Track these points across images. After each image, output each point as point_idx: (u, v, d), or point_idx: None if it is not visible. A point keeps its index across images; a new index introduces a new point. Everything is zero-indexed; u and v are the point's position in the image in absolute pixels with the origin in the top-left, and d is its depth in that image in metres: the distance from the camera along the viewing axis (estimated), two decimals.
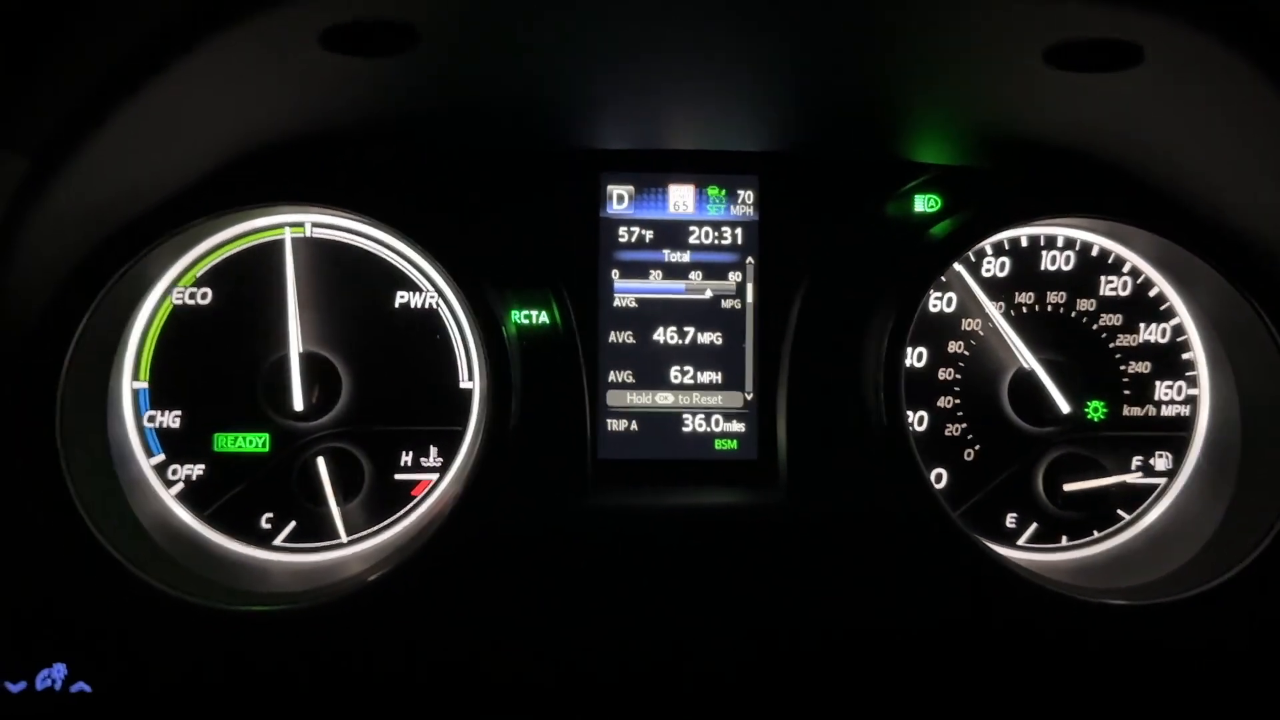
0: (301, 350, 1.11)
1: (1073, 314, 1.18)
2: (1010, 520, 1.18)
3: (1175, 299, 1.18)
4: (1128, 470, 1.18)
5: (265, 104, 0.96)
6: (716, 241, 1.23)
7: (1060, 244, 1.18)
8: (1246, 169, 1.01)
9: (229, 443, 1.12)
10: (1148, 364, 1.18)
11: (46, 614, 0.98)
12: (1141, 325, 1.19)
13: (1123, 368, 1.18)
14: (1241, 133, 0.95)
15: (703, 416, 1.23)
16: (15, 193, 0.83)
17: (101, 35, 0.75)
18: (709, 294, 1.23)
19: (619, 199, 1.22)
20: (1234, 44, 0.81)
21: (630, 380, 1.23)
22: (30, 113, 0.78)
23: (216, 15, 0.75)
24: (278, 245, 1.13)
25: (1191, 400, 1.19)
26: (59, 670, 0.95)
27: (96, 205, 0.95)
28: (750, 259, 1.23)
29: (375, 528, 1.15)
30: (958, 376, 1.17)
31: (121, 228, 0.99)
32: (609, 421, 1.22)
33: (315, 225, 1.14)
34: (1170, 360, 1.19)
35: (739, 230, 1.23)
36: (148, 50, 0.77)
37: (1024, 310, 1.17)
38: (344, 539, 1.13)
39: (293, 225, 1.13)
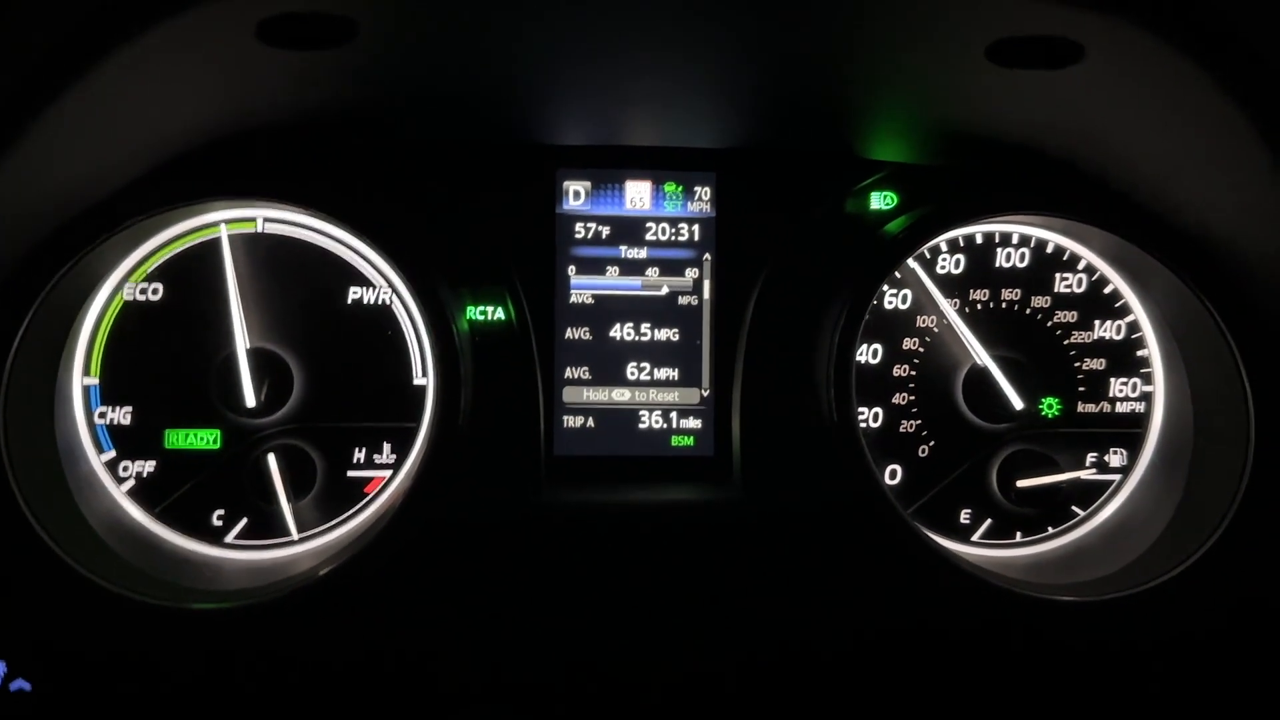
0: (250, 346, 1.10)
1: (1027, 311, 1.18)
2: (965, 516, 1.18)
3: (1130, 296, 1.19)
4: (1082, 467, 1.18)
5: (207, 98, 0.95)
6: (673, 238, 1.22)
7: (1015, 241, 1.18)
8: (1194, 165, 1.01)
9: (180, 439, 1.12)
10: (1102, 361, 1.19)
11: None
12: (1096, 322, 1.19)
13: (1077, 365, 1.19)
14: (1187, 129, 0.95)
15: (659, 413, 1.23)
16: None
17: (34, 28, 0.74)
18: (666, 290, 1.22)
19: (575, 195, 1.22)
20: (1172, 40, 0.81)
21: (586, 377, 1.22)
22: None
23: (150, 8, 0.74)
24: (226, 241, 1.12)
25: (1146, 397, 1.19)
26: None
27: (38, 202, 0.94)
28: (707, 255, 1.22)
29: (327, 525, 1.14)
30: (912, 373, 1.17)
31: (65, 224, 0.98)
32: (565, 418, 1.22)
33: (267, 220, 1.13)
34: (1125, 357, 1.19)
35: (696, 226, 1.22)
36: (82, 44, 0.76)
37: (979, 307, 1.18)
38: (295, 536, 1.12)
39: (240, 221, 1.12)
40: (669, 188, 1.22)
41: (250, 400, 1.09)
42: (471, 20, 0.85)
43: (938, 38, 0.86)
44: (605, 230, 1.22)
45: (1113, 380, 1.19)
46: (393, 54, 0.90)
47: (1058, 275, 1.19)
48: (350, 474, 1.14)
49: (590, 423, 1.22)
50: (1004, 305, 1.18)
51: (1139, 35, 0.81)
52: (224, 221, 1.11)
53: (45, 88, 0.79)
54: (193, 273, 1.12)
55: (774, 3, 0.84)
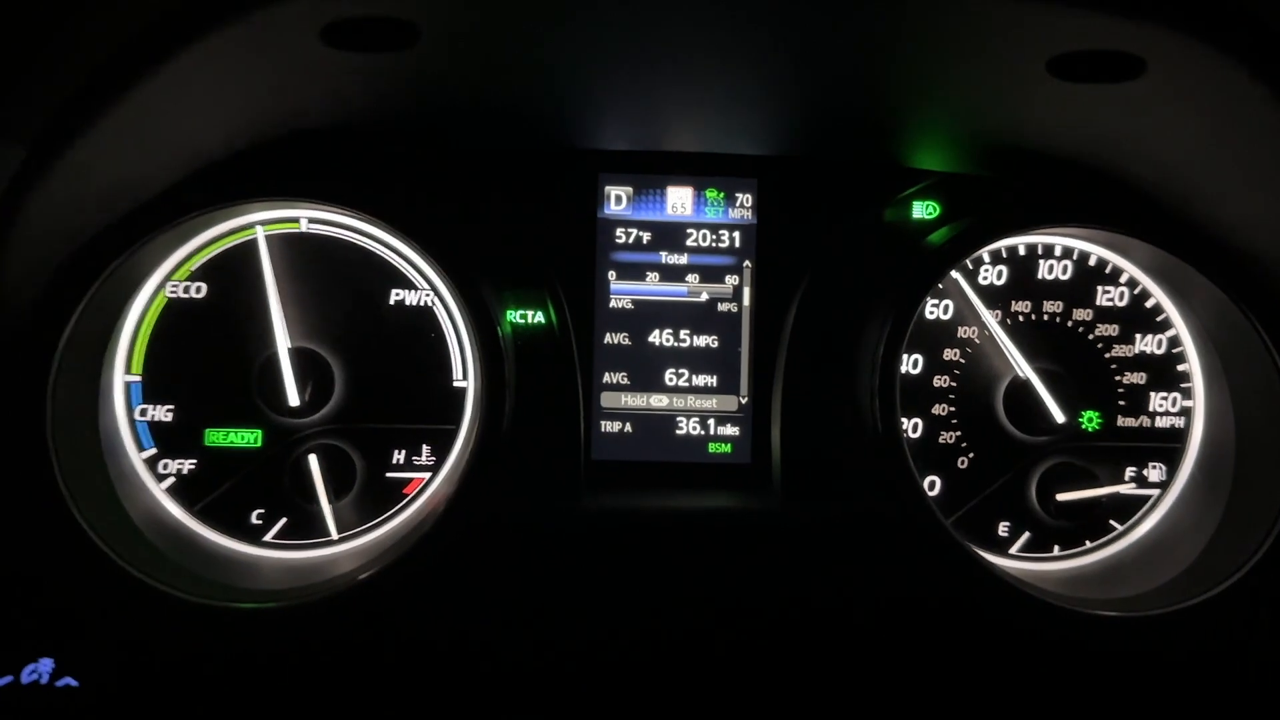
0: (291, 346, 1.10)
1: (1069, 323, 1.18)
2: (1003, 529, 1.18)
3: (1172, 310, 1.18)
4: (1121, 481, 1.18)
5: (264, 99, 0.95)
6: (714, 244, 1.22)
7: (1058, 253, 1.18)
8: (1246, 182, 1.00)
9: (221, 438, 1.12)
10: (1143, 375, 1.18)
11: (34, 608, 0.97)
12: (1137, 336, 1.18)
13: (1118, 378, 1.18)
14: (1242, 145, 0.95)
15: (697, 420, 1.23)
16: (11, 183, 0.82)
17: (103, 26, 0.74)
18: (705, 297, 1.22)
19: (617, 200, 1.22)
20: (1236, 57, 0.81)
21: (625, 382, 1.22)
22: (29, 102, 0.78)
23: (219, 9, 0.75)
24: (268, 240, 1.12)
25: (1186, 412, 1.19)
26: (45, 665, 0.95)
27: (92, 197, 0.95)
28: (747, 262, 1.22)
29: (366, 525, 1.14)
30: (953, 384, 1.17)
31: (115, 222, 0.99)
32: (603, 423, 1.22)
33: (311, 221, 1.13)
34: (1165, 372, 1.19)
35: (736, 233, 1.22)
36: (149, 42, 0.77)
37: (1020, 319, 1.17)
38: (335, 536, 1.13)
39: (283, 221, 1.12)
40: (710, 194, 1.22)
41: (294, 400, 1.09)
42: (527, 26, 0.85)
43: (1002, 52, 0.86)
44: (646, 236, 1.22)
45: (1153, 394, 1.19)
46: (450, 59, 0.90)
47: (1099, 288, 1.18)
48: (389, 475, 1.14)
49: (628, 428, 1.22)
50: (1046, 317, 1.18)
51: (1202, 50, 0.81)
52: (260, 223, 1.12)
53: (111, 87, 0.80)
54: (235, 272, 1.12)
55: (830, 16, 0.84)
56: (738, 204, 1.22)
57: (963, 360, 1.17)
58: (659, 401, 1.23)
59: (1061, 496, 1.14)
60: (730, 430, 1.23)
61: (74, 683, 0.95)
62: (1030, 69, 0.88)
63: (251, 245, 1.12)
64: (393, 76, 0.92)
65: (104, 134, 0.85)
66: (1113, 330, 1.18)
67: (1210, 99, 0.89)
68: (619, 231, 1.22)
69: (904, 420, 1.15)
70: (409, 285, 1.14)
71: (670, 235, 1.22)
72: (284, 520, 1.13)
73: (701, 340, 1.23)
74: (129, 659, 0.98)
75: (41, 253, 0.95)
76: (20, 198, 0.85)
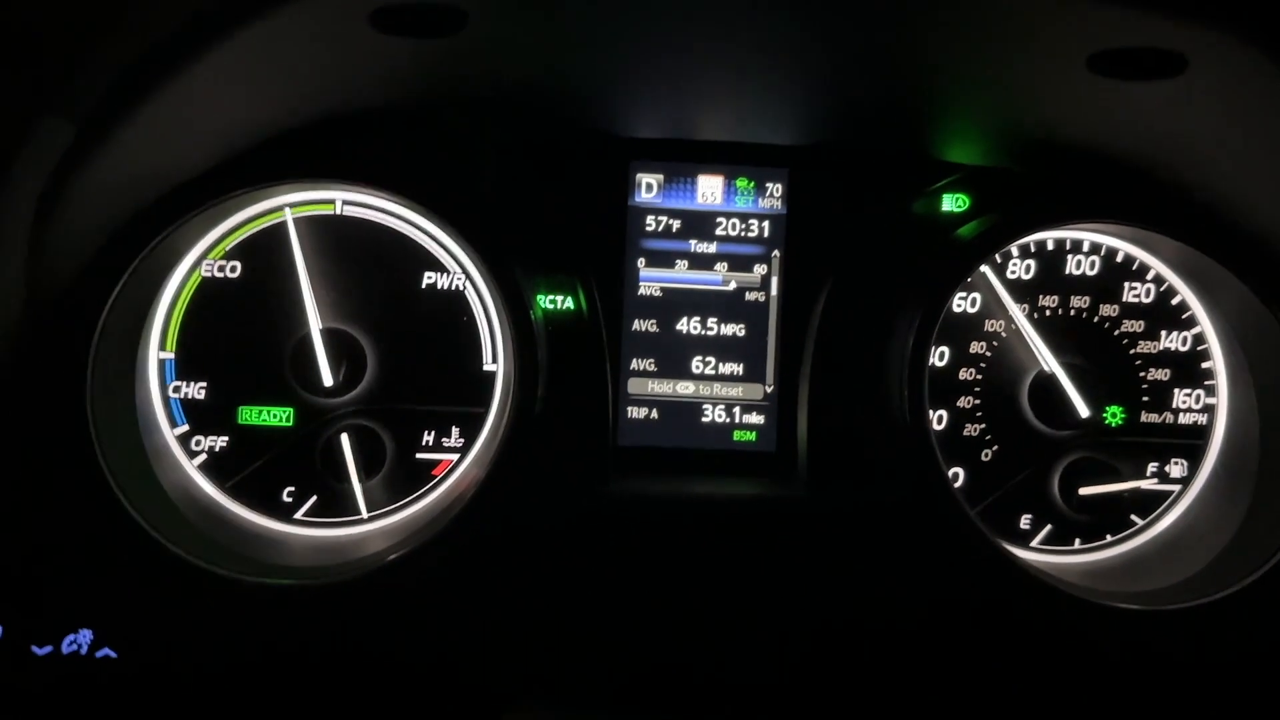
0: (323, 327, 1.11)
1: (1095, 319, 1.18)
2: (1025, 521, 1.19)
3: (1197, 307, 1.19)
4: (1143, 476, 1.19)
5: (309, 83, 0.96)
6: (743, 233, 1.23)
7: (1086, 248, 1.18)
8: None
9: (254, 416, 1.13)
10: (1167, 371, 1.19)
11: (74, 580, 0.99)
12: (1163, 332, 1.19)
13: (1142, 374, 1.19)
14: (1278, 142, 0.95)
15: (723, 407, 1.24)
16: (60, 160, 0.83)
17: (156, 8, 0.75)
18: (734, 285, 1.23)
19: (648, 188, 1.23)
20: (1275, 53, 0.81)
21: (652, 368, 1.23)
22: (81, 80, 0.78)
23: None
24: (298, 222, 1.13)
25: (1209, 409, 1.20)
26: (85, 635, 0.96)
27: (136, 175, 0.96)
28: (776, 252, 1.23)
29: (395, 505, 1.15)
30: (979, 377, 1.18)
31: (156, 199, 1.00)
32: (629, 409, 1.23)
33: (346, 203, 1.14)
34: (1190, 368, 1.19)
35: (766, 223, 1.23)
36: (200, 26, 0.77)
37: (1047, 313, 1.18)
38: (365, 515, 1.14)
39: (317, 203, 1.13)
40: (741, 183, 1.23)
41: (328, 380, 1.10)
42: (570, 12, 0.86)
43: (1042, 47, 0.87)
44: (676, 224, 1.23)
45: (1177, 391, 1.19)
46: (495, 45, 0.91)
47: (1126, 284, 1.19)
48: (419, 456, 1.15)
49: (654, 414, 1.23)
50: (1072, 312, 1.18)
51: (1243, 49, 0.81)
52: (289, 205, 1.12)
53: (161, 70, 0.80)
54: (269, 252, 1.13)
55: (870, 8, 0.84)
56: (768, 194, 1.23)
57: (989, 353, 1.18)
58: (685, 388, 1.24)
59: (1084, 491, 1.15)
60: (755, 418, 1.24)
61: (113, 654, 0.96)
62: (1070, 65, 0.88)
63: (283, 227, 1.13)
64: (437, 61, 0.93)
65: (152, 115, 0.86)
66: (1138, 326, 1.19)
67: (1250, 99, 0.89)
68: (649, 219, 1.23)
69: (930, 412, 1.16)
70: (442, 269, 1.15)
71: (700, 224, 1.23)
72: (314, 498, 1.14)
73: (729, 329, 1.23)
74: (164, 632, 1.00)
75: (87, 230, 0.96)
76: (68, 176, 0.86)
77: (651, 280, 1.23)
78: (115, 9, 0.73)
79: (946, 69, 0.96)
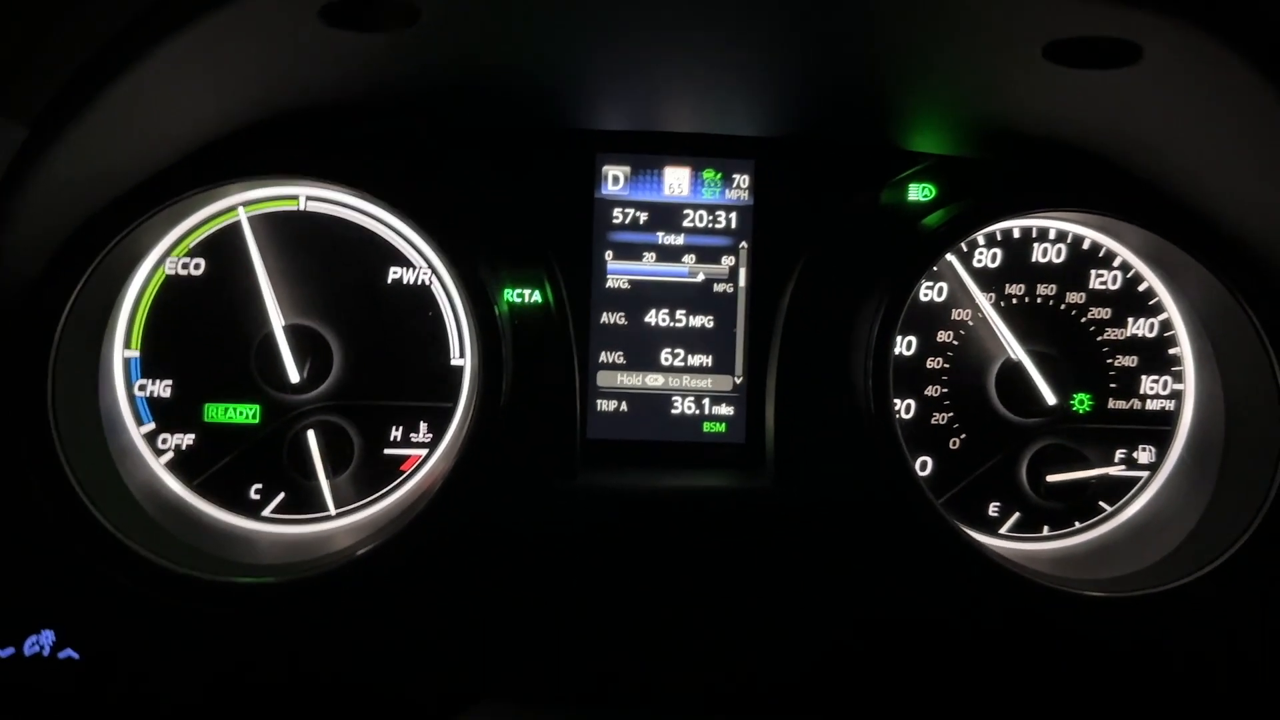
0: (288, 323, 1.11)
1: (1062, 306, 1.19)
2: (993, 509, 1.19)
3: (1164, 294, 1.19)
4: (1111, 463, 1.19)
5: (263, 78, 0.95)
6: (710, 225, 1.23)
7: (1052, 236, 1.19)
8: (1239, 167, 1.01)
9: (220, 413, 1.13)
10: (1134, 358, 1.19)
11: (35, 581, 0.98)
12: (1129, 319, 1.19)
13: (1109, 361, 1.19)
14: (1237, 131, 0.95)
15: (692, 399, 1.24)
16: (12, 162, 0.83)
17: (105, 8, 0.74)
18: (701, 277, 1.23)
19: (614, 180, 1.22)
20: (1233, 44, 0.81)
21: (621, 361, 1.23)
22: (30, 81, 0.78)
23: None
24: (261, 219, 1.12)
25: (1176, 395, 1.20)
26: (47, 637, 0.96)
27: (92, 176, 0.95)
28: (744, 243, 1.23)
29: (364, 501, 1.15)
30: (946, 366, 1.18)
31: (114, 199, 0.99)
32: (599, 402, 1.23)
33: (310, 199, 1.13)
34: (1157, 355, 1.20)
35: (733, 214, 1.23)
36: (148, 24, 0.77)
37: (1014, 301, 1.18)
38: (333, 511, 1.14)
39: (280, 199, 1.13)
40: (707, 174, 1.23)
41: (294, 376, 1.09)
42: (526, 6, 0.86)
43: (998, 37, 0.87)
44: (643, 216, 1.23)
45: (1144, 378, 1.20)
46: (449, 39, 0.90)
47: (1093, 271, 1.19)
48: (387, 451, 1.15)
49: (623, 407, 1.23)
50: (1039, 300, 1.18)
51: (1197, 36, 0.81)
52: (242, 204, 1.12)
53: (107, 69, 0.80)
54: (233, 249, 1.12)
55: (829, 5, 0.84)
56: (734, 185, 1.23)
57: (956, 342, 1.18)
58: (654, 381, 1.24)
59: (1051, 478, 1.15)
60: (725, 410, 1.24)
61: (75, 655, 0.96)
62: (1027, 54, 0.88)
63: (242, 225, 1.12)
64: (391, 55, 0.93)
65: (103, 115, 0.85)
66: (1105, 313, 1.19)
67: (1204, 85, 0.89)
68: (616, 212, 1.22)
69: (897, 401, 1.16)
70: (407, 264, 1.15)
71: (667, 215, 1.23)
72: (282, 495, 1.14)
73: (697, 320, 1.23)
74: (130, 632, 0.99)
75: (44, 230, 0.95)
76: (22, 177, 0.85)
77: (619, 273, 1.23)
78: (61, 9, 0.72)
79: (905, 60, 0.96)
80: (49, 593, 0.98)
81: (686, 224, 1.23)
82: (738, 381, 1.24)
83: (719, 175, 1.23)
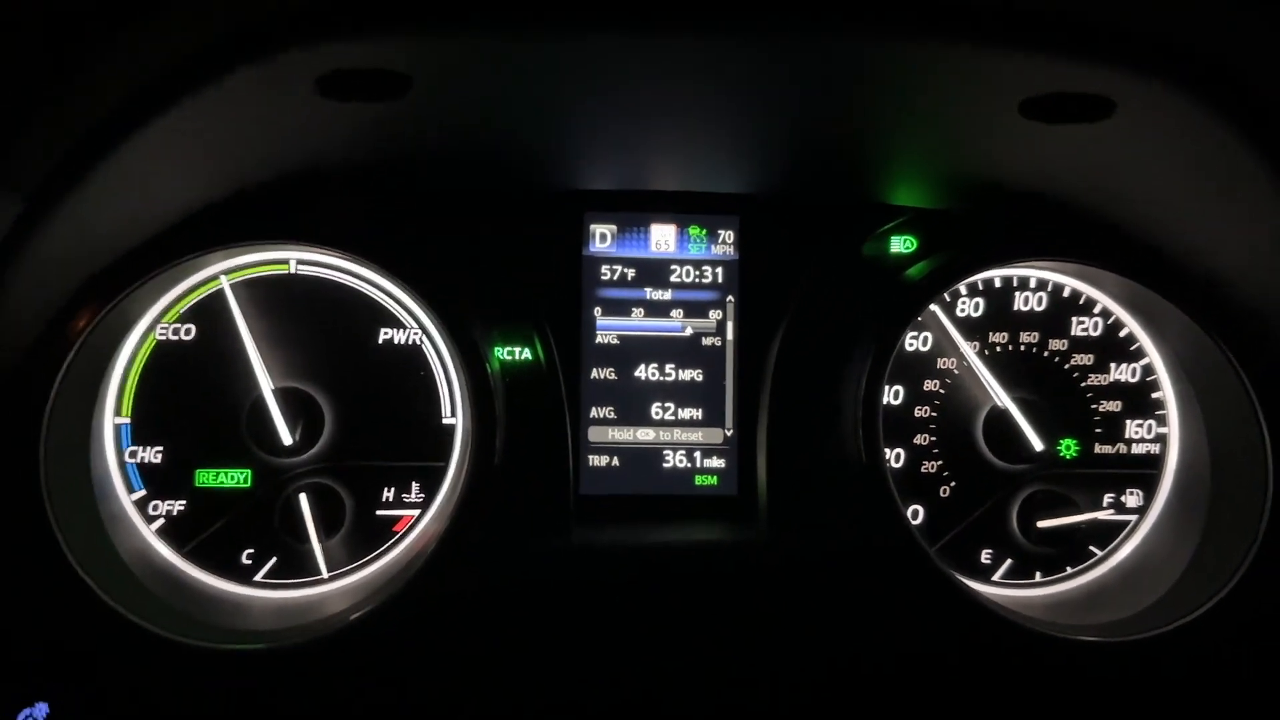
0: (281, 386, 1.11)
1: (1045, 353, 1.20)
2: (985, 556, 1.20)
3: (1145, 339, 1.21)
4: (1100, 507, 1.20)
5: (257, 145, 0.96)
6: (697, 280, 1.25)
7: (1033, 285, 1.21)
8: (1213, 215, 1.04)
9: (211, 478, 1.12)
10: (1118, 403, 1.21)
11: (28, 651, 0.97)
12: (1112, 365, 1.21)
13: (1094, 406, 1.21)
14: (1208, 181, 0.98)
15: (683, 452, 1.24)
16: (9, 232, 0.84)
17: (104, 79, 0.75)
18: (690, 331, 1.24)
19: (601, 238, 1.24)
20: (1202, 98, 0.84)
21: (612, 416, 1.24)
22: (28, 156, 0.79)
23: (218, 61, 0.76)
24: (249, 284, 1.13)
25: (1161, 438, 1.22)
26: (40, 710, 0.94)
27: (87, 243, 0.96)
28: (730, 297, 1.24)
29: (357, 564, 1.15)
30: (933, 414, 1.19)
31: (105, 267, 1.00)
32: (591, 457, 1.23)
33: (300, 263, 1.14)
34: (1140, 399, 1.21)
35: (719, 269, 1.25)
36: (145, 97, 0.78)
37: (998, 350, 1.20)
38: (325, 575, 1.13)
39: (271, 264, 1.14)
40: (693, 231, 1.25)
41: (286, 439, 1.10)
42: (515, 78, 0.88)
43: (974, 97, 0.89)
44: (631, 272, 1.24)
45: (1128, 422, 1.21)
46: (440, 108, 0.92)
47: (1074, 319, 1.21)
48: (379, 513, 1.15)
49: (615, 462, 1.24)
50: (1023, 348, 1.20)
51: (1167, 91, 0.84)
52: (223, 273, 1.13)
53: (107, 141, 0.81)
54: (222, 314, 1.13)
55: (806, 65, 0.86)
56: (720, 240, 1.25)
57: (942, 391, 1.20)
58: (646, 435, 1.24)
59: (1042, 523, 1.16)
60: (716, 462, 1.24)
61: None
62: (1002, 111, 0.90)
63: (232, 290, 1.13)
64: (383, 124, 0.94)
65: (99, 186, 0.87)
66: (1088, 359, 1.21)
67: (1176, 136, 0.92)
68: (604, 268, 1.24)
69: (886, 450, 1.17)
70: (398, 324, 1.16)
71: (654, 271, 1.24)
72: (274, 560, 1.13)
73: (687, 374, 1.24)
74: (123, 702, 0.98)
75: (38, 299, 0.96)
76: (17, 247, 0.86)
77: (608, 329, 1.24)
78: (59, 83, 0.73)
79: (887, 120, 0.99)
80: (43, 664, 0.97)
81: (674, 279, 1.24)
82: (728, 434, 1.24)
83: (704, 231, 1.24)
